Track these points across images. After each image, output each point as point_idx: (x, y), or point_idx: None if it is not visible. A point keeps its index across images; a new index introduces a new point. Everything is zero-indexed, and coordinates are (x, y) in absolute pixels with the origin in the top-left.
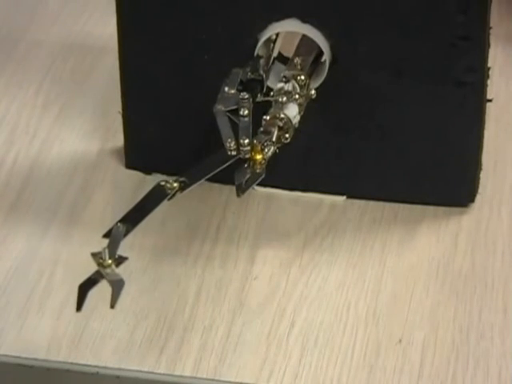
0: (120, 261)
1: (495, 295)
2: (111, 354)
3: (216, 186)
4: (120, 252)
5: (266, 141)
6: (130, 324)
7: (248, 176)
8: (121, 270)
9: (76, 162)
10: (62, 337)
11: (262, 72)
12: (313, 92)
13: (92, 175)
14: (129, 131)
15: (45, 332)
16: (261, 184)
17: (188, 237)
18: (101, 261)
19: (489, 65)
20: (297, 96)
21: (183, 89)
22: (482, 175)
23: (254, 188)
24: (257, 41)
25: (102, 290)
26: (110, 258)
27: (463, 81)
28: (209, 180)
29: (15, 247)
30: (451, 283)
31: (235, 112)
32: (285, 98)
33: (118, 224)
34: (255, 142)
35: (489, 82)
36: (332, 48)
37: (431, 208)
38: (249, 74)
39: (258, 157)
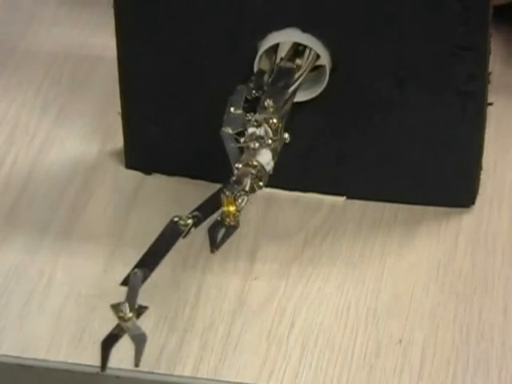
0: (140, 311)
1: (495, 295)
2: (111, 354)
3: (216, 186)
4: (119, 250)
5: (239, 191)
6: None
7: (222, 230)
8: (121, 270)
9: (76, 163)
10: (62, 337)
11: (266, 89)
12: (286, 136)
13: (92, 175)
14: (129, 131)
15: (45, 332)
16: None
17: (188, 236)
18: (121, 314)
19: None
20: (270, 141)
21: (183, 89)
22: (482, 175)
23: None
24: (257, 49)
25: (102, 289)
26: (130, 311)
27: (464, 89)
28: (209, 180)
29: (15, 247)
30: (451, 283)
31: (242, 134)
32: (257, 144)
33: (135, 270)
34: (227, 193)
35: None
36: (332, 57)
37: (431, 208)
38: (253, 91)
39: (232, 208)
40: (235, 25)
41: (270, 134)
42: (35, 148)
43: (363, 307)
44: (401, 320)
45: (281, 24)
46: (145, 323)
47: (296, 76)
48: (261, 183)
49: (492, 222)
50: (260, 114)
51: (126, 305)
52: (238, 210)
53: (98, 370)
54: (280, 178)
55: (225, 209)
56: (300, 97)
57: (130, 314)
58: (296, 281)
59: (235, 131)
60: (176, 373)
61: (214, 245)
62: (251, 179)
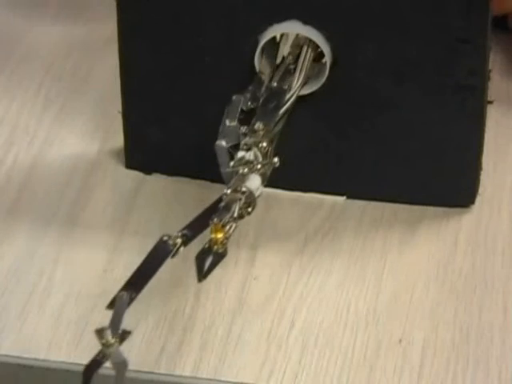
0: (123, 337)
1: (495, 295)
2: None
3: (216, 185)
4: (119, 250)
5: (227, 218)
6: (130, 324)
7: (210, 258)
8: (121, 270)
9: (76, 162)
10: (62, 337)
11: (261, 101)
12: (276, 160)
13: (92, 175)
14: (129, 131)
15: (45, 332)
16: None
17: None
18: (103, 341)
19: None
20: (259, 166)
21: (183, 89)
22: (482, 175)
23: None
24: (257, 42)
25: (102, 289)
26: (113, 337)
27: (464, 84)
28: (209, 180)
29: (15, 247)
30: (451, 283)
31: (237, 147)
32: (246, 169)
33: (121, 293)
34: (215, 220)
35: (489, 83)
36: (333, 50)
37: (431, 208)
38: (249, 103)
39: (219, 236)
40: (236, 18)
41: (260, 159)
42: (35, 147)
43: (363, 307)
44: (401, 320)
45: (282, 17)
46: (145, 323)
47: (287, 97)
48: (249, 209)
49: (492, 221)
50: (250, 137)
51: (109, 331)
52: (226, 238)
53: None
54: (280, 178)
55: (212, 236)
56: (300, 91)
57: (113, 340)
58: (296, 281)
59: (229, 144)
60: (176, 373)
61: (202, 273)
62: (240, 205)
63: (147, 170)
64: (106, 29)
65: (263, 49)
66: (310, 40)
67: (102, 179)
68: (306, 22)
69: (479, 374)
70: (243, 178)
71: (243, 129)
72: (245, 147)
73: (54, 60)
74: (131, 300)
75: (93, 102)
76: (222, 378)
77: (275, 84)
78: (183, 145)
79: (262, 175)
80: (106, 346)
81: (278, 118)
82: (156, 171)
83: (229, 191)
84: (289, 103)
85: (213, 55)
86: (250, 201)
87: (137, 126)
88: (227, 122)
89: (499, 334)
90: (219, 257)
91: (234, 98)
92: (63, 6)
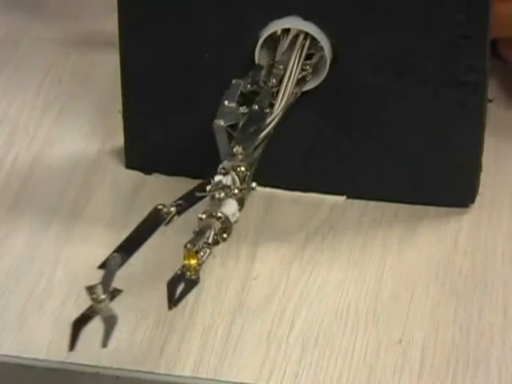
0: (114, 294)
1: (495, 295)
2: (111, 354)
3: None
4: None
5: (201, 244)
6: (130, 324)
7: (182, 285)
8: (121, 271)
9: (76, 162)
10: (62, 337)
11: (262, 83)
12: (254, 185)
13: (92, 175)
14: (129, 131)
15: (45, 332)
16: (261, 184)
17: (188, 236)
18: (94, 296)
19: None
20: (236, 191)
21: (184, 88)
22: (482, 175)
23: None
24: (258, 38)
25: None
26: (104, 293)
27: (464, 80)
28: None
29: (15, 247)
30: (451, 283)
31: (235, 127)
32: (223, 194)
33: (114, 254)
34: (188, 245)
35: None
36: (333, 46)
37: (431, 208)
38: (248, 86)
39: (193, 262)
40: (236, 14)
41: (237, 183)
42: (35, 147)
43: (363, 307)
44: (401, 320)
45: (282, 12)
46: (145, 323)
47: (268, 121)
48: (225, 235)
49: (492, 221)
50: (228, 161)
51: (100, 287)
52: (199, 264)
53: (98, 370)
54: (280, 178)
55: (186, 262)
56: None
57: (103, 296)
58: (296, 281)
59: (227, 124)
60: (176, 373)
61: (172, 301)
62: (215, 231)
63: (147, 169)
64: (105, 29)
65: (263, 45)
66: (299, 53)
67: (102, 179)
68: (306, 18)
69: (479, 374)
70: (219, 202)
71: (242, 109)
72: (222, 171)
73: (54, 60)
74: (123, 262)
75: (93, 102)
76: (222, 378)
77: (256, 107)
78: (183, 145)
79: (239, 200)
80: (96, 301)
81: (258, 143)
82: (156, 171)
83: (204, 216)
84: (270, 127)
85: (213, 52)
86: (226, 226)
87: (137, 126)
88: (226, 103)
89: (499, 334)
90: (192, 284)
91: (233, 81)
92: (63, 6)
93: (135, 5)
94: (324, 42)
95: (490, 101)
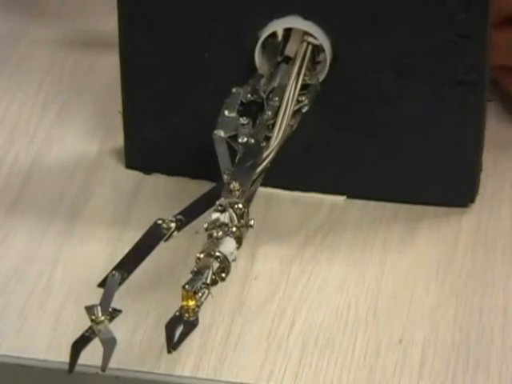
0: (114, 315)
1: (495, 295)
2: (114, 353)
3: None
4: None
5: (199, 284)
6: (129, 324)
7: (180, 327)
8: None
9: (76, 162)
10: (62, 337)
11: (262, 93)
12: (252, 222)
13: (92, 175)
14: (129, 131)
15: (45, 332)
16: (261, 184)
17: (188, 236)
18: (93, 317)
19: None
20: (234, 229)
21: (184, 88)
22: (482, 175)
23: None
24: (257, 38)
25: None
26: (102, 314)
27: (464, 79)
28: (209, 180)
29: (15, 247)
30: (451, 283)
31: (234, 138)
32: (220, 233)
33: (113, 272)
34: (186, 287)
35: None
36: (333, 46)
37: (431, 208)
38: (249, 95)
39: (191, 303)
40: (236, 13)
41: (235, 221)
42: (35, 147)
43: (363, 307)
44: (401, 320)
45: (282, 12)
46: (145, 323)
47: (264, 155)
48: (223, 275)
49: (492, 221)
50: (225, 198)
51: (99, 308)
52: (197, 305)
53: (98, 370)
54: (280, 178)
55: (184, 303)
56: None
57: (102, 318)
58: (296, 281)
59: (227, 135)
60: (176, 373)
61: (171, 344)
62: (213, 271)
63: (147, 169)
64: (106, 29)
65: (263, 44)
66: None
67: (102, 179)
68: (306, 18)
69: (479, 374)
70: (217, 241)
71: (242, 120)
72: (219, 208)
73: (54, 60)
74: (122, 280)
75: (93, 102)
76: (222, 378)
77: (252, 140)
78: (183, 145)
79: (238, 238)
80: (95, 322)
81: (255, 177)
82: (156, 171)
83: (202, 255)
84: (266, 161)
85: (213, 51)
86: (224, 266)
87: (137, 126)
88: (226, 113)
89: (499, 334)
90: (191, 326)
91: (233, 90)
92: (63, 6)
93: (135, 5)
94: (324, 41)
95: (490, 100)
